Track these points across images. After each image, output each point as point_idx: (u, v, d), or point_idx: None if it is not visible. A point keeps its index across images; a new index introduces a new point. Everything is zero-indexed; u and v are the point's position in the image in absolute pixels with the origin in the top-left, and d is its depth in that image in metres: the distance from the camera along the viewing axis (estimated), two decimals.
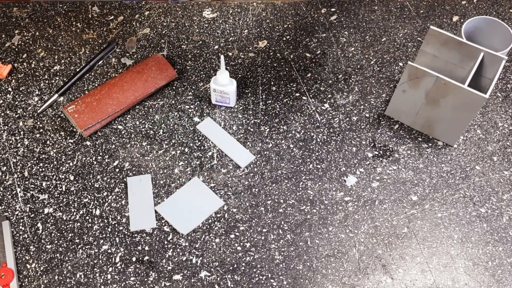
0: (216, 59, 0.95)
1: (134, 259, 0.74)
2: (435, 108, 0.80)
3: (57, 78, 0.92)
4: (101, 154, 0.84)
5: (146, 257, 0.75)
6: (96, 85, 0.92)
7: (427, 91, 0.78)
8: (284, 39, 0.98)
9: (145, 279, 0.73)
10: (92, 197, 0.80)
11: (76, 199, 0.79)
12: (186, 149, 0.84)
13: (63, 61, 0.95)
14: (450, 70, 0.85)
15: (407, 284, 0.73)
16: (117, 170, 0.82)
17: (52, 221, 0.77)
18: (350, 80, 0.92)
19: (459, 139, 0.85)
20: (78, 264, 0.74)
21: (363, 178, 0.82)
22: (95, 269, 0.74)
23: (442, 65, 0.85)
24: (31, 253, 0.75)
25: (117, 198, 0.80)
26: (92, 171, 0.82)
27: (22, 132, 0.86)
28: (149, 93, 0.88)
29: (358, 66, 0.94)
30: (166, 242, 0.76)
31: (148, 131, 0.86)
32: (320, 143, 0.85)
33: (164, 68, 0.90)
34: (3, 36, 0.98)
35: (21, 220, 0.77)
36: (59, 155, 0.84)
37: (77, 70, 0.93)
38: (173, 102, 0.90)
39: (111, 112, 0.84)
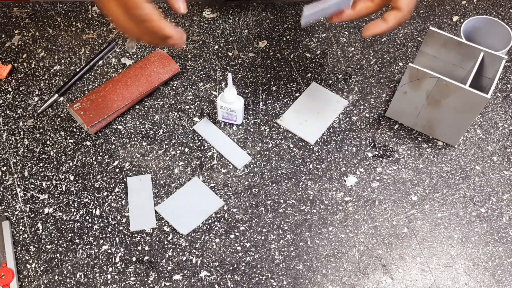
0: (216, 59, 0.95)
1: (134, 259, 0.74)
2: (437, 109, 0.80)
3: (57, 78, 0.92)
4: (101, 154, 0.84)
5: (146, 257, 0.75)
6: (96, 85, 0.92)
7: (428, 92, 0.78)
8: (284, 39, 0.98)
9: (145, 279, 0.73)
10: (92, 197, 0.80)
11: (76, 199, 0.79)
12: (186, 149, 0.84)
13: (63, 61, 0.95)
14: (450, 71, 0.85)
15: (407, 284, 0.73)
16: (117, 170, 0.82)
17: (52, 221, 0.77)
18: (350, 80, 0.92)
19: (459, 139, 0.85)
20: (78, 264, 0.74)
21: (363, 178, 0.82)
22: (95, 269, 0.74)
23: (442, 66, 0.85)
24: (31, 253, 0.75)
25: (117, 198, 0.80)
26: (92, 171, 0.82)
27: (22, 132, 0.86)
28: (153, 87, 0.88)
29: (358, 66, 0.94)
30: (166, 242, 0.76)
31: (148, 131, 0.86)
32: (320, 143, 0.85)
33: (166, 62, 0.90)
34: (3, 36, 0.98)
35: (21, 220, 0.77)
36: (59, 155, 0.84)
37: (77, 70, 0.93)
38: (173, 102, 0.90)
39: (116, 108, 0.85)
